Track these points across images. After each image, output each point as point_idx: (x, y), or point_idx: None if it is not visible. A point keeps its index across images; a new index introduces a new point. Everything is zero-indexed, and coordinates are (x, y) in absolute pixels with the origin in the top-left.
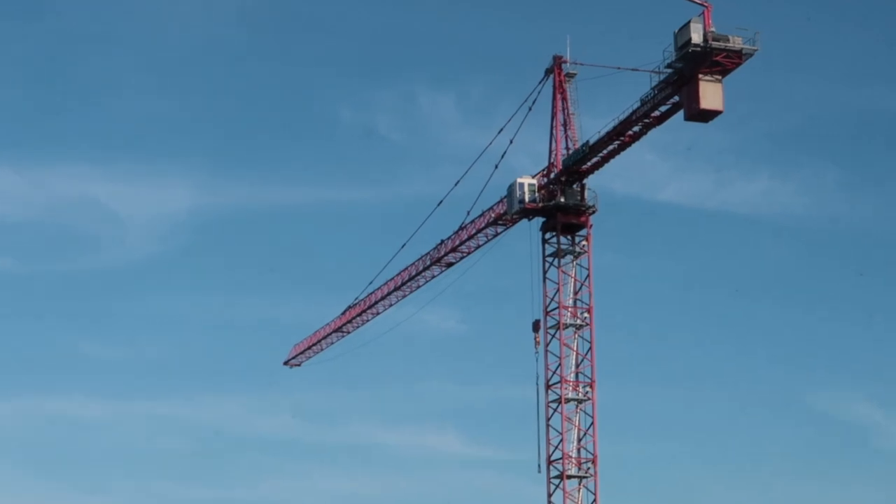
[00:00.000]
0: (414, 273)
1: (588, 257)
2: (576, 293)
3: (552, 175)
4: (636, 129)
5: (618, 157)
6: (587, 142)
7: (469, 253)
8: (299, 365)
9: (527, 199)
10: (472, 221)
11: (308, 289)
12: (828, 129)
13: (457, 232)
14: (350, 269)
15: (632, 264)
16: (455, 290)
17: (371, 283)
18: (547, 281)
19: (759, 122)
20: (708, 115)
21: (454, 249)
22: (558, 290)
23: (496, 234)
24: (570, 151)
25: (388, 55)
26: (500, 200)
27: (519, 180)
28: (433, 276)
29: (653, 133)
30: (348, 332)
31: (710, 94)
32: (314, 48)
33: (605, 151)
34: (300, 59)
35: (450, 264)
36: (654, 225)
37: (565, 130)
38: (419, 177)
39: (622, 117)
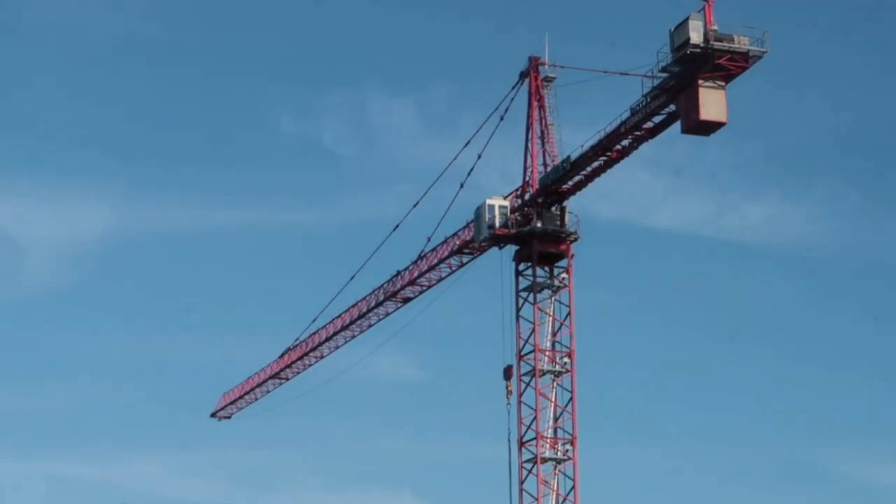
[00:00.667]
0: (365, 310)
1: (569, 292)
2: (554, 334)
3: (527, 196)
4: (625, 142)
5: (604, 176)
6: (568, 157)
7: (430, 286)
8: (229, 417)
9: (497, 224)
10: (434, 250)
11: (240, 327)
12: (846, 144)
13: (415, 262)
14: (290, 304)
15: (620, 301)
16: (413, 331)
17: (314, 320)
18: (521, 320)
19: (767, 136)
20: (709, 128)
21: (412, 282)
22: (534, 330)
23: (461, 265)
24: (549, 168)
25: (337, 55)
26: (467, 225)
27: (488, 202)
28: (387, 314)
29: (645, 148)
30: (287, 379)
31: (712, 102)
32: (249, 46)
33: (588, 169)
34: (233, 60)
35: (407, 300)
36: (645, 255)
37: (543, 144)
38: (371, 197)
39: (609, 129)
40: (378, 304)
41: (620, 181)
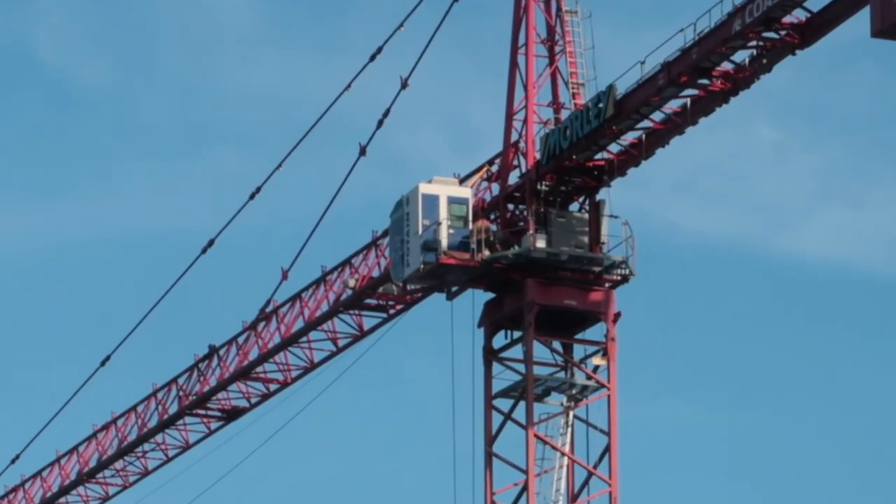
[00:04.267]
0: (136, 436)
1: (609, 400)
2: (575, 498)
3: (515, 178)
4: (740, 60)
5: (689, 134)
6: (610, 88)
7: (286, 385)
8: None
9: (445, 243)
10: (296, 300)
11: None
12: None
13: (253, 326)
14: None
15: (713, 419)
16: (251, 474)
17: (19, 456)
18: (497, 462)
19: None
20: None
21: (245, 375)
22: (526, 488)
23: (362, 336)
24: (566, 116)
25: None
26: (373, 243)
27: (424, 190)
28: (186, 448)
29: (783, 72)
30: None
31: None
32: None
33: (655, 119)
34: None
35: (233, 415)
36: (777, 312)
37: (551, 59)
38: (152, 177)
39: (704, 30)
40: (167, 425)
41: (725, 149)
